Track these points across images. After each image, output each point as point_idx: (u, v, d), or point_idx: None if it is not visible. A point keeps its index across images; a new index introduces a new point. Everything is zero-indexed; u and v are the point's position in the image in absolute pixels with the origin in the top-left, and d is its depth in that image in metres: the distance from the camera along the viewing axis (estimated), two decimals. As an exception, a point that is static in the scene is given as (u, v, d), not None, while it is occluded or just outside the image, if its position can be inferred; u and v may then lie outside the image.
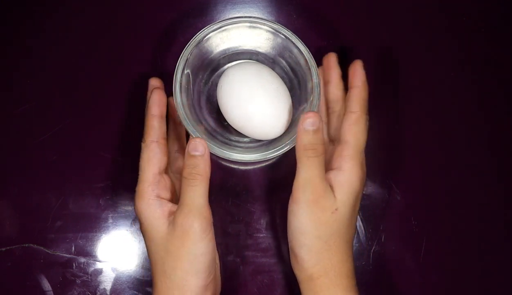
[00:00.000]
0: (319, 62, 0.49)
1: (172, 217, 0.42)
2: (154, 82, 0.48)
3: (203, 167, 0.41)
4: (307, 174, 0.42)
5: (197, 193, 0.41)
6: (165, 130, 0.45)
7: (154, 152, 0.43)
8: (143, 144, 0.44)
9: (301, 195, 0.42)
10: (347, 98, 0.46)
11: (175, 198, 0.46)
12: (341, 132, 0.45)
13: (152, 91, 0.45)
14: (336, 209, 0.42)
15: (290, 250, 0.45)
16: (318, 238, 0.42)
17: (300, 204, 0.42)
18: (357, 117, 0.44)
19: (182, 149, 0.50)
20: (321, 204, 0.42)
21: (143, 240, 0.50)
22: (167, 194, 0.44)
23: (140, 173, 0.43)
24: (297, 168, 0.43)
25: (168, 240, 0.41)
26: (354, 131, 0.44)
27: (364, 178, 0.45)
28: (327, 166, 0.45)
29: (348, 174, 0.43)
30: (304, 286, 0.44)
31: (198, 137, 0.43)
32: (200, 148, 0.42)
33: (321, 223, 0.42)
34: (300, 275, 0.44)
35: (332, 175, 0.43)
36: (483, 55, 0.56)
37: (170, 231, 0.41)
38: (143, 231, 0.43)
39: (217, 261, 0.46)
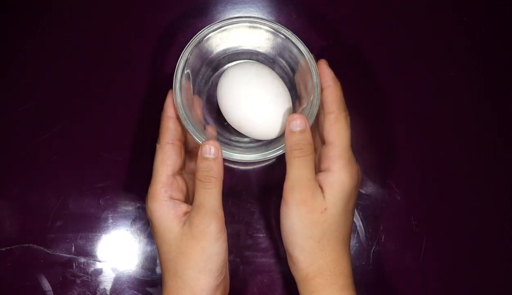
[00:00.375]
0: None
1: (185, 217, 0.42)
2: None
3: (217, 169, 0.42)
4: (294, 174, 0.42)
5: (212, 195, 0.42)
6: (181, 132, 0.45)
7: (168, 154, 0.44)
8: (157, 146, 0.44)
9: (290, 196, 0.42)
10: (323, 100, 0.46)
11: (188, 198, 0.46)
12: (324, 134, 0.45)
13: (168, 93, 0.45)
14: (325, 209, 0.42)
15: (286, 251, 0.45)
16: (310, 238, 0.42)
17: (290, 205, 0.42)
18: (336, 116, 0.44)
19: (190, 151, 0.50)
20: (310, 203, 0.42)
21: (143, 240, 0.51)
22: (180, 195, 0.44)
23: (154, 174, 0.44)
24: (286, 170, 0.43)
25: (182, 240, 0.42)
26: (336, 130, 0.44)
27: (355, 173, 0.44)
28: (318, 168, 0.45)
29: (337, 175, 0.43)
30: (301, 287, 0.44)
31: (211, 140, 0.43)
32: (213, 150, 0.42)
33: (311, 223, 0.42)
34: (297, 275, 0.44)
35: (322, 176, 0.43)
36: (483, 55, 0.56)
37: (185, 232, 0.42)
38: (155, 232, 0.43)
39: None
